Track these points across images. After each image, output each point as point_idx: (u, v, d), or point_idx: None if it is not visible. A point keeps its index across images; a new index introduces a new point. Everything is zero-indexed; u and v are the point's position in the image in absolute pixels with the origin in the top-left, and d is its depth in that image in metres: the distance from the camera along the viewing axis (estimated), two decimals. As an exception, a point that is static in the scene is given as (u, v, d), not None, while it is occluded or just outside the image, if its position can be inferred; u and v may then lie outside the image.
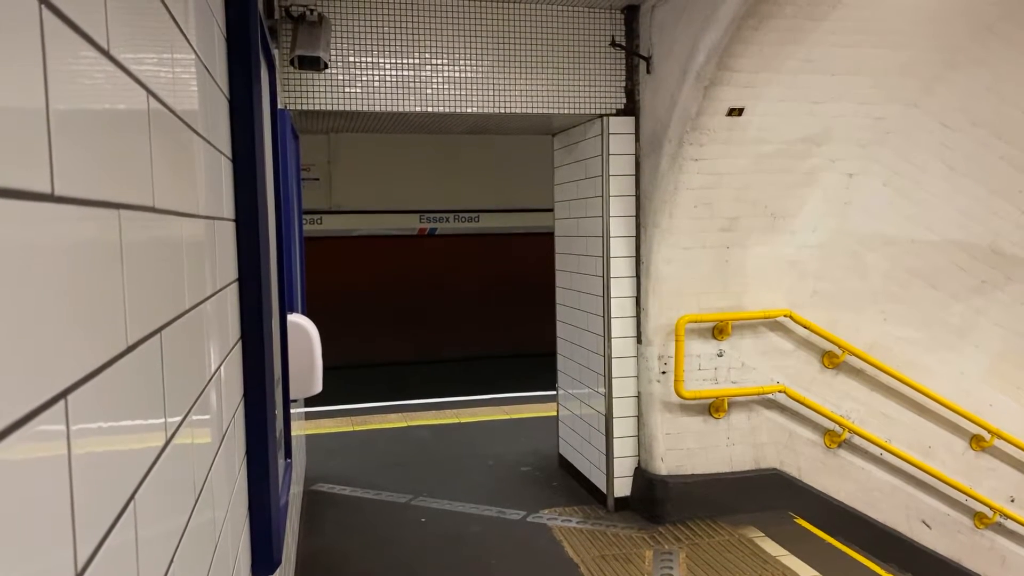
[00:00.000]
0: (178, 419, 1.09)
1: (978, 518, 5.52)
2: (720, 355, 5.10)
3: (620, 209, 5.12)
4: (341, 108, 4.69)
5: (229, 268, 1.67)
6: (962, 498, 5.46)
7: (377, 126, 5.63)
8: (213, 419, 1.40)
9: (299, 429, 5.30)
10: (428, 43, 4.78)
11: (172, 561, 1.02)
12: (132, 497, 0.82)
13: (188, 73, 1.29)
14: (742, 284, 5.08)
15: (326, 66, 4.33)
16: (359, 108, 4.71)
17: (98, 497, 0.71)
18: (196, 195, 1.31)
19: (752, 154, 4.75)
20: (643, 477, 5.19)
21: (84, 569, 0.66)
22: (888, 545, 5.22)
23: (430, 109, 4.81)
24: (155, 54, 1.06)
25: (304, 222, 7.41)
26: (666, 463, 5.10)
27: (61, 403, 0.61)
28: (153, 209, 0.98)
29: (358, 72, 4.69)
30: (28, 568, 0.55)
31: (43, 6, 0.62)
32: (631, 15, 5.03)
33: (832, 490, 5.30)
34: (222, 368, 1.51)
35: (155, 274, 0.98)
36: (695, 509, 5.10)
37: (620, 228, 5.13)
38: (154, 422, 0.95)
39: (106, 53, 0.79)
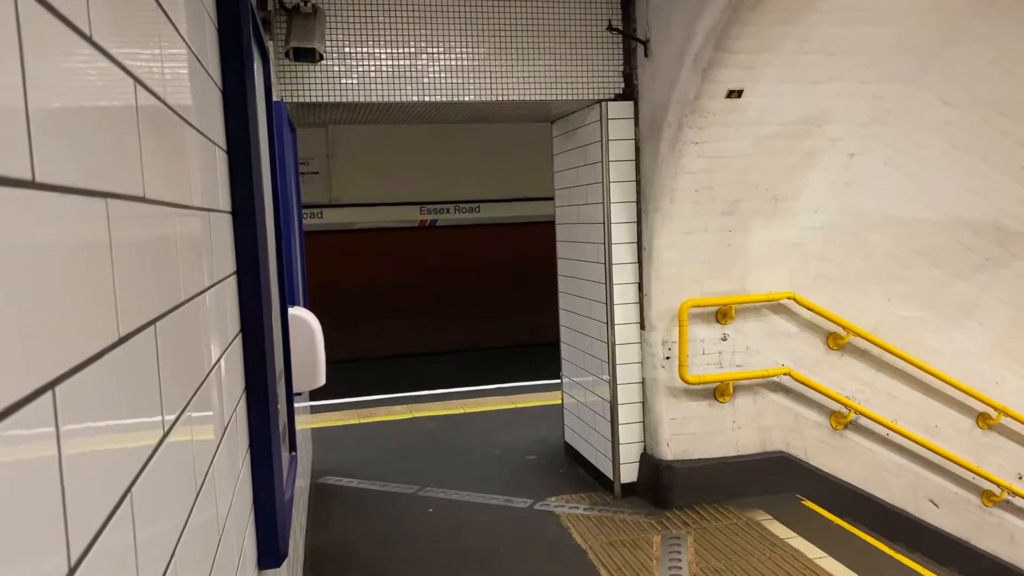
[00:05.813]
0: (176, 412, 1.07)
1: (986, 496, 5.51)
2: (724, 339, 5.09)
3: (621, 195, 5.10)
4: (338, 99, 4.67)
5: (227, 260, 1.65)
6: (969, 476, 5.45)
7: (374, 117, 5.61)
8: (214, 413, 1.39)
9: (304, 423, 5.29)
10: (424, 32, 4.75)
11: (173, 554, 1.01)
12: (129, 489, 0.81)
13: (178, 63, 1.27)
14: (745, 267, 5.06)
15: (321, 57, 4.30)
16: (356, 99, 4.69)
17: (92, 489, 0.70)
18: (190, 186, 1.29)
19: (752, 136, 4.72)
20: (649, 463, 5.19)
21: (78, 564, 0.65)
22: (896, 525, 5.22)
23: (427, 98, 4.78)
24: (143, 43, 1.04)
25: (304, 216, 7.39)
26: (672, 448, 5.10)
27: (48, 394, 0.60)
28: (143, 199, 0.97)
29: (354, 63, 4.67)
30: (16, 565, 0.54)
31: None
32: (627, -1, 5.00)
33: (839, 471, 5.29)
34: (222, 361, 1.50)
35: (147, 265, 0.97)
36: (702, 493, 5.10)
37: (621, 214, 5.11)
38: (151, 415, 0.94)
39: (88, 39, 0.78)
